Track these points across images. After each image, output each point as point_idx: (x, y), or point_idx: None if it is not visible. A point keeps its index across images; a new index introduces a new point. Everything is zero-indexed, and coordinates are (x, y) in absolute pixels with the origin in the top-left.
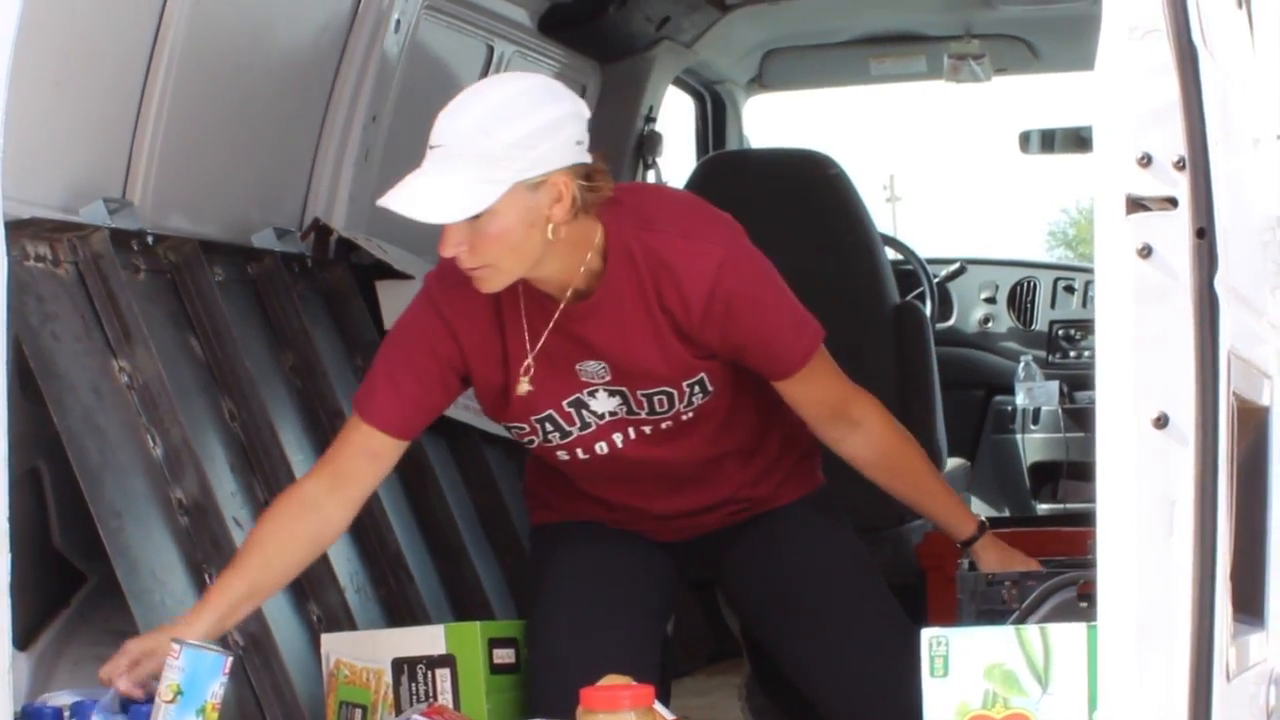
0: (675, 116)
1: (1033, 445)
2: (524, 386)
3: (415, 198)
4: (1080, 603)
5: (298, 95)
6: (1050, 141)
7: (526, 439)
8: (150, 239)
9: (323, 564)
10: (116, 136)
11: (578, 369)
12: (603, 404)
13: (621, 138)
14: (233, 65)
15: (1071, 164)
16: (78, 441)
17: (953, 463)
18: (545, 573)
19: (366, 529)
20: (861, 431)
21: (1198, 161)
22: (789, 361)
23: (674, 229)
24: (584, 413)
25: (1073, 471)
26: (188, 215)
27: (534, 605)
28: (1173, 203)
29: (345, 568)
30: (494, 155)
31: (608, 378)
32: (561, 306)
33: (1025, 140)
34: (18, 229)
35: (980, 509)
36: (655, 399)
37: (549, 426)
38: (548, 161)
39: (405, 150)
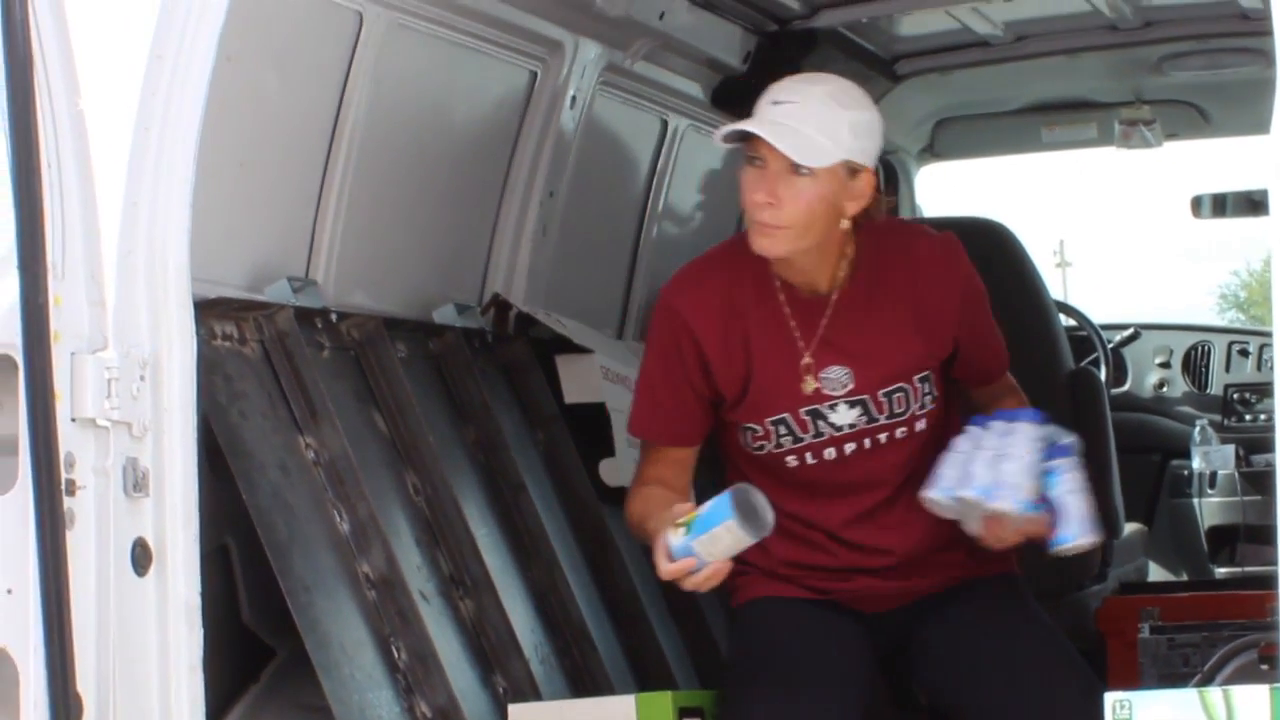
0: None
1: (1210, 509)
2: (809, 384)
3: (779, 128)
4: (1261, 665)
5: (476, 172)
6: (1222, 206)
7: (758, 443)
8: (334, 317)
9: (507, 634)
10: (300, 216)
11: (821, 377)
12: (843, 417)
13: None
14: (412, 144)
15: (1240, 226)
16: (266, 517)
17: (1130, 527)
18: (747, 644)
19: (549, 599)
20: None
21: None
22: (1002, 361)
23: (918, 228)
24: (820, 423)
25: (1250, 535)
26: (370, 293)
27: (732, 675)
28: None
29: (529, 638)
30: (839, 126)
31: (850, 386)
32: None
33: (1197, 205)
34: (205, 309)
35: (1158, 574)
36: (894, 397)
37: (782, 430)
38: (869, 156)
39: (582, 224)
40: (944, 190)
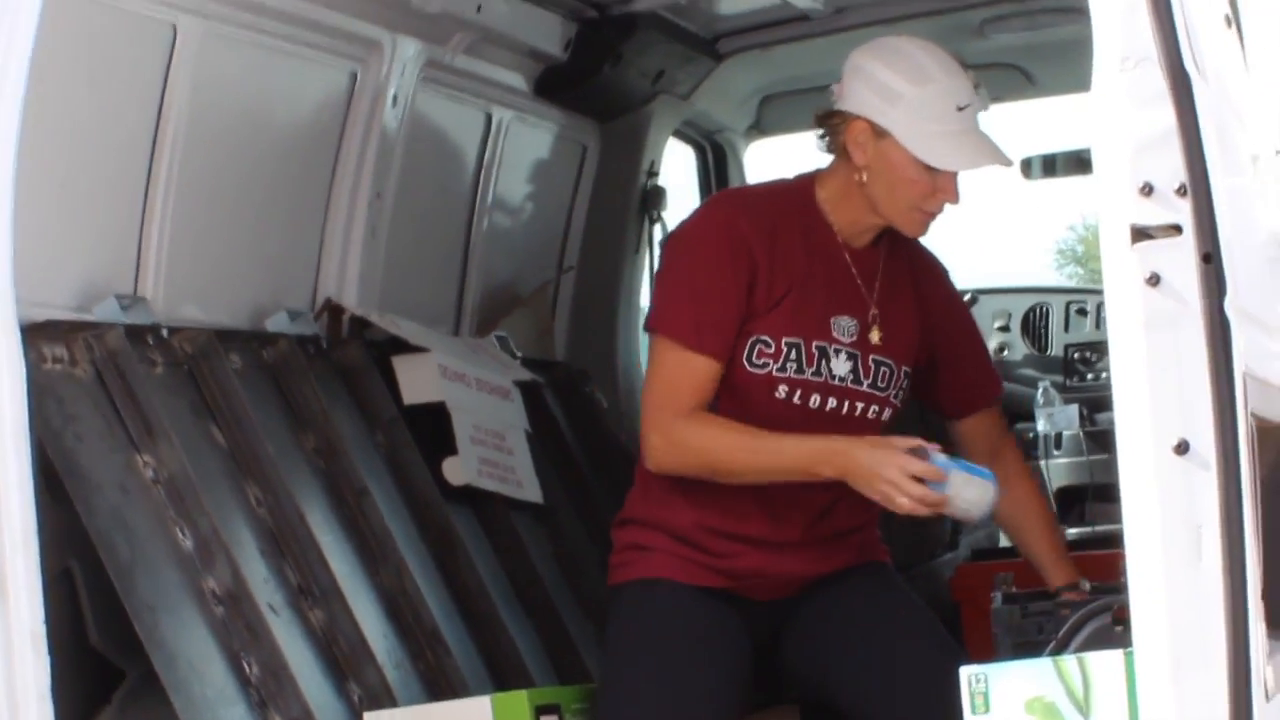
0: (677, 169)
1: (1057, 470)
2: (875, 333)
3: (993, 148)
4: (1115, 627)
5: (301, 177)
6: (1052, 166)
7: (762, 359)
8: (165, 332)
9: (359, 642)
10: (124, 232)
11: (832, 322)
12: (839, 367)
13: (625, 194)
14: (235, 152)
15: (1074, 184)
16: (107, 539)
17: None
18: (628, 627)
19: (400, 603)
20: (1010, 482)
21: (1199, 186)
22: (994, 384)
23: None
24: (822, 364)
25: (1099, 494)
26: (200, 305)
27: (611, 665)
28: (1177, 229)
29: (382, 645)
30: None
31: (852, 339)
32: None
33: (1027, 166)
34: (33, 332)
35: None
36: (881, 369)
37: (794, 354)
38: None
39: (411, 223)
40: (772, 167)
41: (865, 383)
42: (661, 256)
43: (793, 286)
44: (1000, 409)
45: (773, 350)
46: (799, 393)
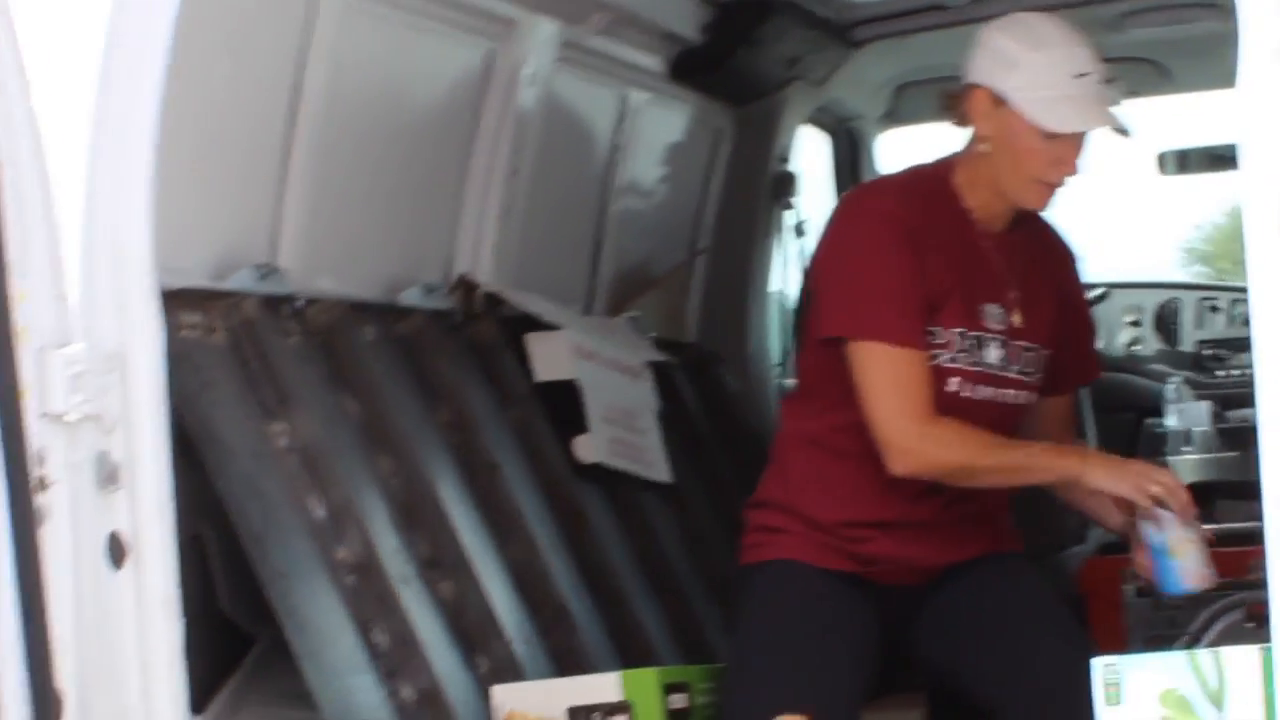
0: (810, 155)
1: (1186, 467)
2: (1017, 317)
3: (1112, 113)
4: (1248, 624)
5: (437, 152)
6: (1186, 162)
7: (935, 351)
8: (300, 303)
9: (488, 615)
10: (262, 203)
11: (983, 309)
12: (991, 354)
13: (758, 179)
14: (372, 127)
15: (1202, 181)
16: (240, 506)
17: None
18: (759, 606)
19: (529, 578)
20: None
21: None
22: (1093, 369)
23: (1043, 217)
24: (979, 352)
25: (1229, 491)
26: (336, 277)
27: (740, 646)
28: None
29: (510, 619)
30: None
31: (1001, 327)
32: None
33: (1162, 161)
34: (171, 299)
35: None
36: (1026, 355)
37: (965, 343)
38: None
39: (546, 202)
40: (905, 156)
41: (1014, 369)
42: (822, 260)
43: (953, 277)
44: (1076, 397)
45: (944, 341)
46: (959, 380)
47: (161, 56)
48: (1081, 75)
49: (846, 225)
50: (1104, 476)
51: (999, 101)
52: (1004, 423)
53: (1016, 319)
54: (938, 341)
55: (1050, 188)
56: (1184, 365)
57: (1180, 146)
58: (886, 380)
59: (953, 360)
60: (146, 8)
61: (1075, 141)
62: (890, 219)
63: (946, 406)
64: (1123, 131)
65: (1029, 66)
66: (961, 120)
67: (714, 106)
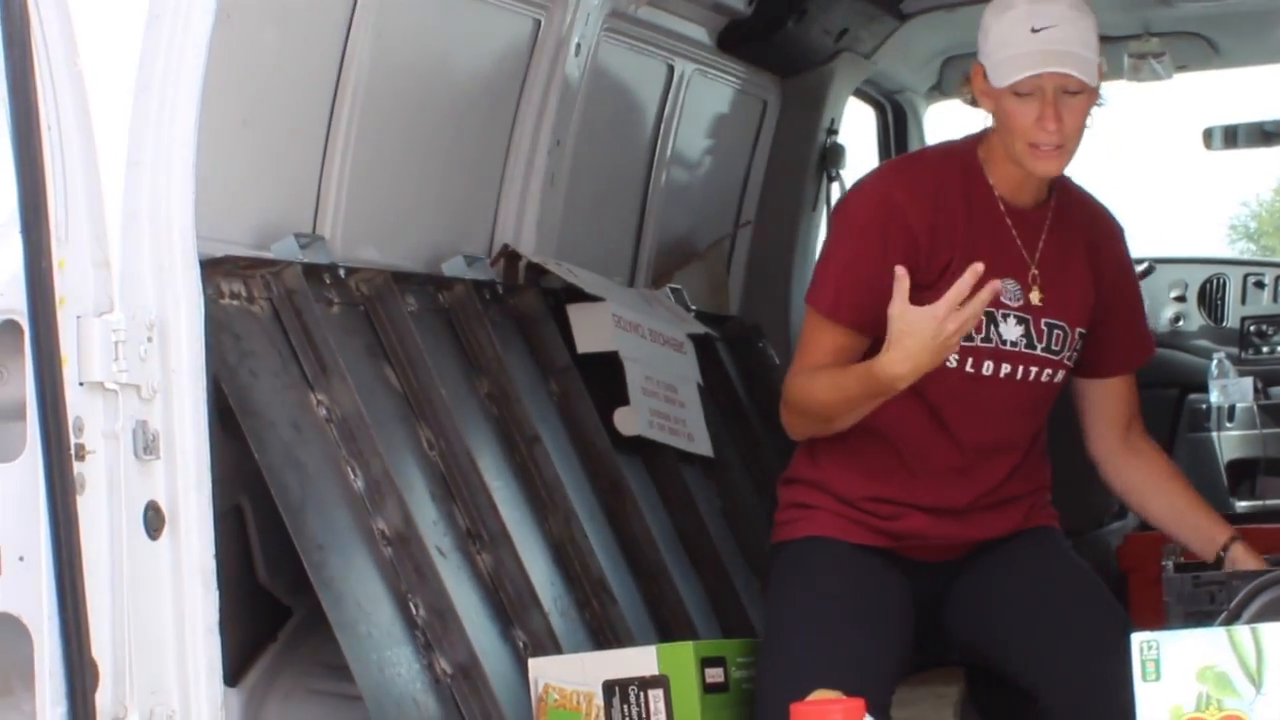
0: (858, 127)
1: (1229, 443)
2: (1036, 294)
3: (1063, 56)
4: None
5: (482, 123)
6: (1234, 137)
7: None
8: (342, 272)
9: (526, 588)
10: (305, 172)
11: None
12: (1010, 331)
13: (804, 151)
14: (416, 96)
15: (1248, 157)
16: (279, 477)
17: None
18: (795, 580)
19: (567, 552)
20: (1142, 450)
21: None
22: (1144, 348)
23: (1087, 192)
24: (991, 329)
25: (1270, 468)
26: (378, 247)
27: (773, 621)
28: None
29: (549, 592)
30: (1091, 34)
31: (1018, 303)
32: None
33: (1209, 137)
34: (211, 267)
35: None
36: (1054, 333)
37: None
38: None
39: (590, 173)
40: (953, 128)
41: (1039, 346)
42: (828, 226)
43: (955, 254)
44: (1135, 381)
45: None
46: (970, 360)
47: (206, 24)
48: (1039, 30)
49: (845, 199)
50: (902, 361)
51: (986, 73)
52: (1038, 402)
53: (1035, 296)
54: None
55: (1044, 151)
56: (1228, 341)
57: (1228, 122)
58: (802, 343)
59: None
60: None
61: (1050, 98)
62: (877, 202)
63: (952, 385)
64: (1078, 78)
65: (994, 31)
66: (974, 100)
67: (761, 78)
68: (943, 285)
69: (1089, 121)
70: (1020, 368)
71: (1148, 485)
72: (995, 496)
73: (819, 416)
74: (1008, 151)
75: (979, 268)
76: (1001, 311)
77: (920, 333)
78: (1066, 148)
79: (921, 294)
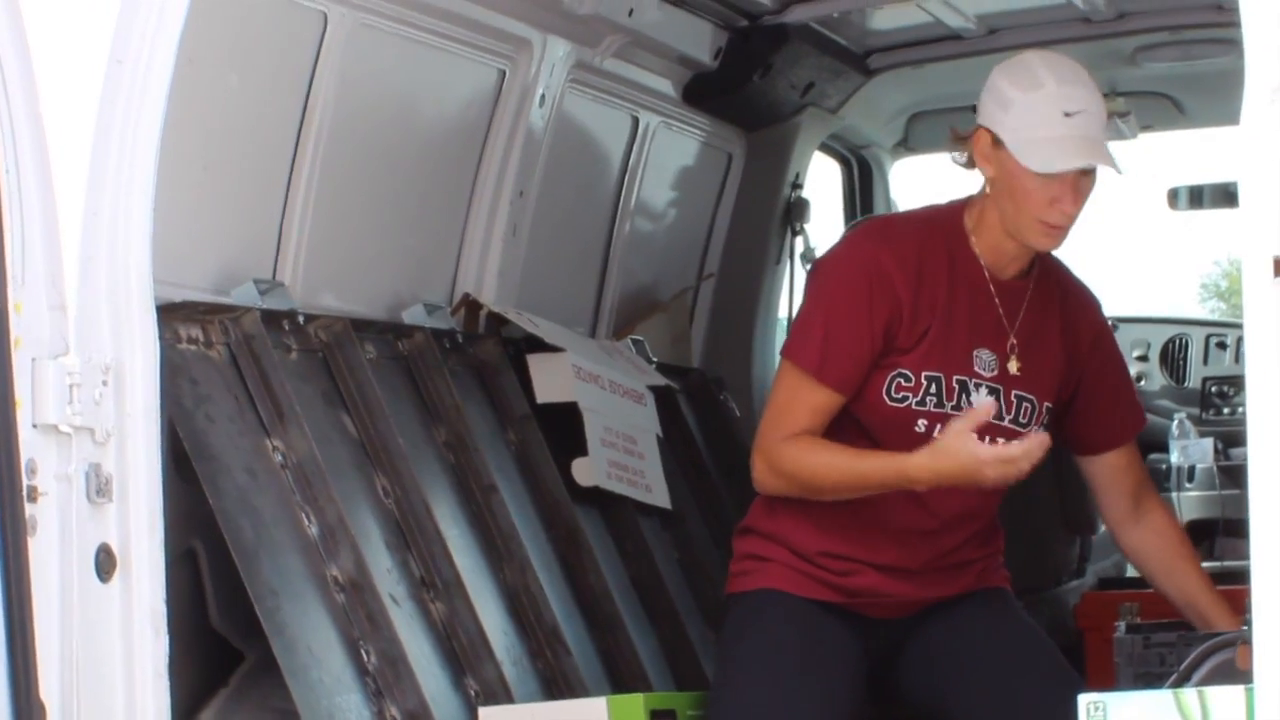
0: (824, 182)
1: (1188, 503)
2: (1014, 364)
3: (1098, 150)
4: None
5: (445, 171)
6: (1199, 197)
7: (901, 394)
8: (301, 319)
9: (479, 637)
10: (266, 218)
11: (974, 355)
12: (979, 402)
13: (769, 205)
14: (380, 144)
15: (1221, 216)
16: (233, 521)
17: None
18: (745, 632)
19: (522, 601)
20: (1153, 520)
21: None
22: (1136, 418)
23: (1063, 264)
24: (962, 398)
25: (1229, 529)
26: (338, 294)
27: (723, 674)
28: None
29: (502, 641)
30: (1105, 123)
31: (993, 373)
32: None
33: (1174, 197)
34: (170, 312)
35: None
36: (1023, 405)
37: (934, 388)
38: None
39: (553, 223)
40: (919, 185)
41: (1006, 418)
42: (806, 283)
43: (935, 321)
44: (1138, 448)
45: (912, 384)
46: (939, 427)
47: (166, 69)
48: (1071, 114)
49: (830, 259)
50: (930, 477)
51: (998, 143)
52: None
53: (1013, 366)
54: (905, 384)
55: (1051, 228)
56: (1189, 402)
57: (1194, 183)
58: (780, 401)
59: (920, 404)
60: (153, 19)
61: (1071, 181)
62: (866, 263)
63: (919, 449)
64: (1115, 169)
65: (1020, 106)
66: (969, 162)
67: (726, 131)
68: (918, 350)
69: None
70: (987, 438)
71: (1158, 563)
72: (951, 559)
73: (816, 489)
74: (1007, 223)
75: (990, 405)
76: (975, 381)
77: (959, 462)
78: (1071, 225)
79: (898, 359)
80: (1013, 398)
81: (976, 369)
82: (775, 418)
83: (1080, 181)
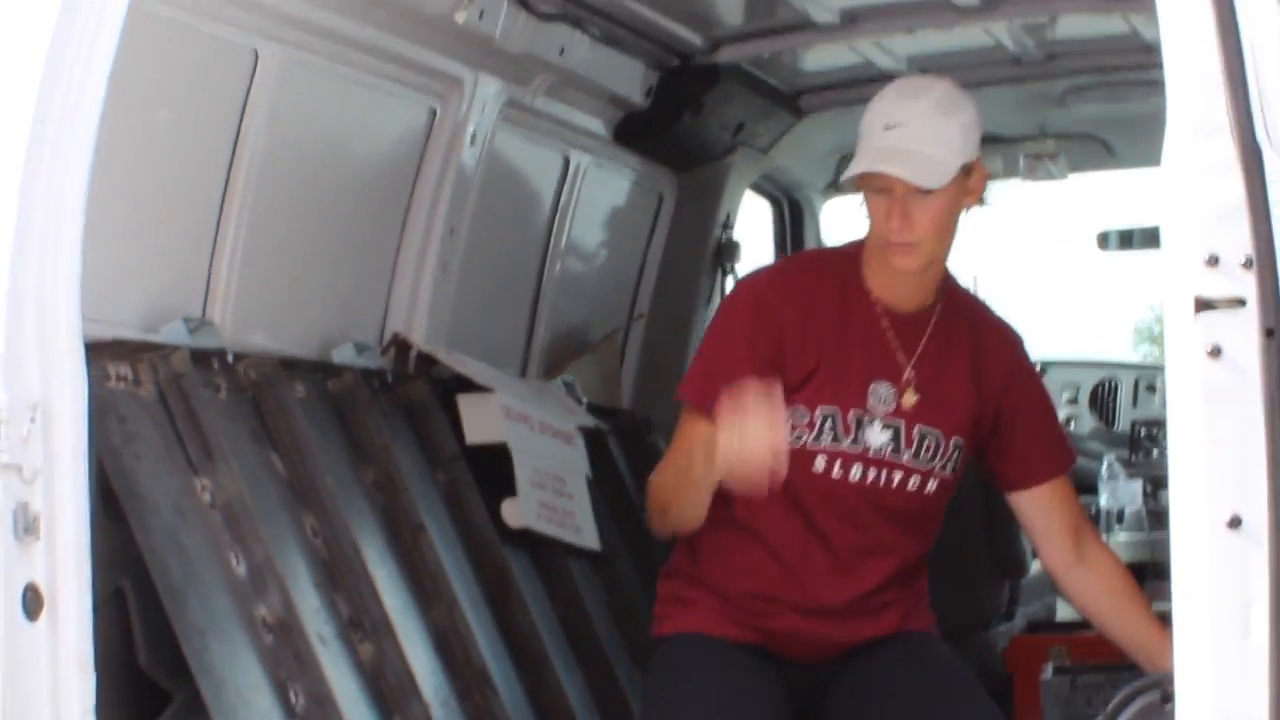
0: (754, 222)
1: (1118, 547)
2: (910, 398)
3: (898, 156)
4: (1165, 704)
5: (375, 209)
6: (1129, 240)
7: (797, 432)
8: (230, 357)
9: (407, 677)
10: (195, 256)
11: (870, 389)
12: (876, 437)
13: (700, 245)
14: (310, 182)
15: (1156, 260)
16: (161, 561)
17: (1037, 565)
18: (669, 676)
19: (450, 641)
20: (1095, 560)
21: (1265, 260)
22: (1063, 458)
23: (978, 300)
24: (860, 434)
25: (1159, 572)
26: (267, 333)
27: (651, 706)
28: (1241, 302)
29: (430, 681)
30: (952, 134)
31: (889, 408)
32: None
33: (1104, 239)
34: (99, 350)
35: (1067, 612)
36: (925, 442)
37: (829, 424)
38: (977, 148)
39: (484, 262)
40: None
41: (906, 454)
42: None
43: (824, 358)
44: (1071, 488)
45: (807, 421)
46: (838, 464)
47: (95, 106)
48: (891, 127)
49: (724, 299)
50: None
51: None
52: (909, 509)
53: (909, 399)
54: (801, 421)
55: (899, 247)
56: (1118, 444)
57: (1123, 225)
58: (675, 436)
59: (816, 441)
60: (82, 55)
61: (900, 196)
62: (749, 300)
63: (818, 488)
64: (908, 180)
65: (861, 125)
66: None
67: (657, 171)
68: (810, 387)
69: (956, 221)
70: (884, 473)
71: (1104, 605)
72: (872, 600)
73: (667, 501)
74: (870, 246)
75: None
76: (869, 417)
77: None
78: (922, 247)
79: (793, 396)
80: (914, 433)
81: (871, 404)
82: (665, 456)
83: (913, 198)
